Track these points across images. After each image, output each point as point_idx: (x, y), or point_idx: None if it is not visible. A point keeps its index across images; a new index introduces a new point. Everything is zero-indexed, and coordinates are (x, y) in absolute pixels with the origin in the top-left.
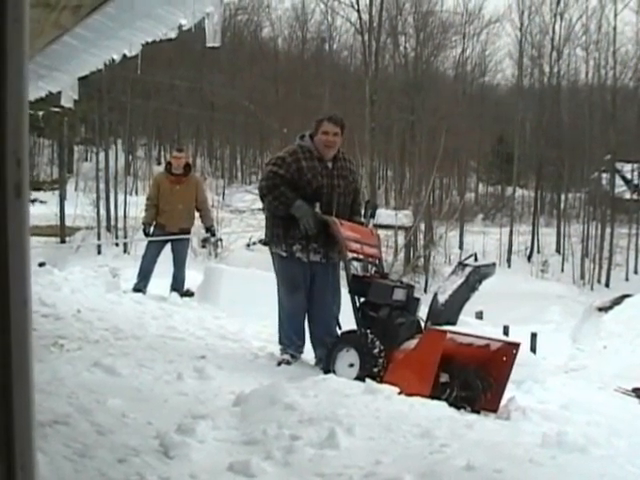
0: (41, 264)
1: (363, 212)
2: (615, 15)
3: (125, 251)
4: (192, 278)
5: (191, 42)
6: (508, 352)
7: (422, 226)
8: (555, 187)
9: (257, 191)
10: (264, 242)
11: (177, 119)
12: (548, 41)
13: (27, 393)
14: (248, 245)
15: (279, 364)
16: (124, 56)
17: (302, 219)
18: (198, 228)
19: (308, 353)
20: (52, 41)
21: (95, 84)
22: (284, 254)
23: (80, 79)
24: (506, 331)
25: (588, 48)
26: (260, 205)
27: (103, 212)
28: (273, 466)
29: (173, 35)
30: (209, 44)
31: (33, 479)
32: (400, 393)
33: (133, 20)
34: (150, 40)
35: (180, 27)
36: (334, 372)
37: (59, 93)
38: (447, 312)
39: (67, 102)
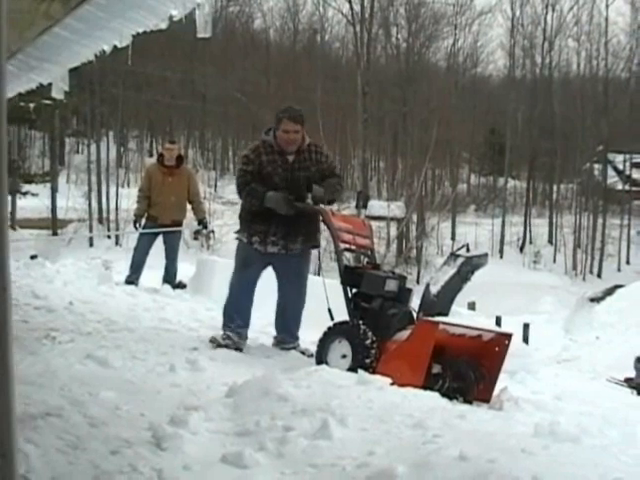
0: (33, 257)
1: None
2: (607, 6)
3: (117, 243)
4: (184, 270)
5: (182, 34)
6: (500, 343)
7: (414, 217)
8: (547, 178)
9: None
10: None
11: (169, 111)
12: (540, 32)
13: (6, 381)
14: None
15: (218, 346)
16: (115, 47)
17: (277, 208)
18: (190, 220)
19: (304, 345)
20: (42, 32)
21: (87, 76)
22: (244, 240)
23: (71, 71)
24: (498, 322)
25: (580, 39)
26: None
27: (95, 204)
28: (266, 457)
29: (164, 26)
30: (200, 35)
31: (14, 467)
32: (393, 384)
33: (124, 10)
34: (141, 31)
35: (171, 18)
36: (327, 363)
37: (50, 85)
38: (439, 303)
39: (58, 94)
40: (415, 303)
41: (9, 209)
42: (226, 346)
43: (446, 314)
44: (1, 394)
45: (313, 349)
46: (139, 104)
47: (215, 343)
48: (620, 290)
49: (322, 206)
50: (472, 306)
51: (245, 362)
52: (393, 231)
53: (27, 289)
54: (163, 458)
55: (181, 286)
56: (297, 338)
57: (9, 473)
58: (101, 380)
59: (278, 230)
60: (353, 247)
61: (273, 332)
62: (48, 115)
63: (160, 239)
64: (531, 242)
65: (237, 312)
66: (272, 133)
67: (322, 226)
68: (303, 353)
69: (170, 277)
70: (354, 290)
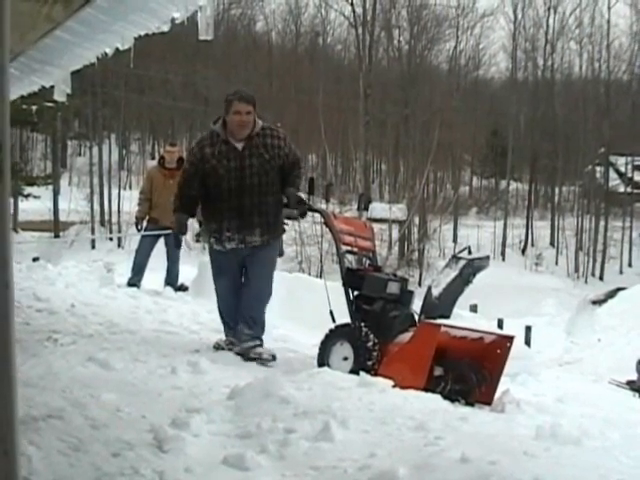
0: (35, 259)
1: (308, 187)
2: (609, 8)
3: (119, 245)
4: (186, 272)
5: (184, 36)
6: (502, 345)
7: (416, 220)
8: (549, 180)
9: None
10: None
11: (171, 113)
12: (542, 34)
13: (9, 378)
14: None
15: (218, 348)
16: (117, 50)
17: (175, 230)
18: (192, 222)
19: (306, 347)
20: (44, 35)
21: (89, 79)
22: (208, 244)
23: (73, 73)
24: (500, 324)
25: (582, 41)
26: None
27: (97, 207)
28: (268, 459)
29: (166, 29)
30: (202, 37)
31: (16, 465)
32: (394, 386)
33: (126, 13)
34: (143, 33)
35: (173, 20)
36: (328, 365)
37: (52, 87)
38: (441, 305)
39: (60, 96)
40: (417, 305)
41: (11, 210)
42: (230, 350)
43: (448, 316)
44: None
45: (315, 352)
46: (141, 107)
47: (219, 349)
48: (622, 293)
49: (323, 207)
50: (474, 308)
51: (246, 364)
52: (395, 233)
53: (29, 291)
54: (164, 460)
55: (183, 288)
56: (256, 337)
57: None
58: (102, 382)
59: (231, 225)
60: (355, 249)
61: (273, 332)
62: (50, 118)
63: (162, 241)
64: (533, 244)
65: (230, 318)
66: (221, 122)
67: (324, 228)
68: (258, 358)
69: (172, 279)
70: (356, 292)
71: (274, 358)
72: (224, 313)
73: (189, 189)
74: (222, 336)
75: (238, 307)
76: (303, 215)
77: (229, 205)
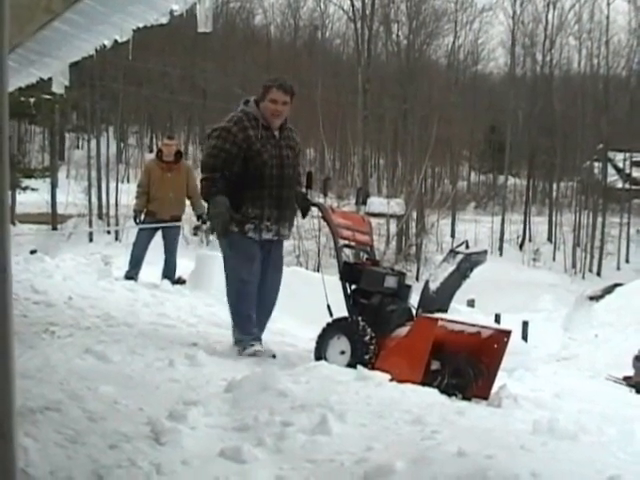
0: (33, 251)
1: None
2: (608, 4)
3: (117, 239)
4: (184, 266)
5: (183, 29)
6: (499, 339)
7: (414, 214)
8: (547, 176)
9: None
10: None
11: (169, 106)
12: (541, 30)
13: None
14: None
15: (252, 354)
16: (115, 42)
17: (213, 218)
18: (190, 216)
19: (303, 341)
20: (43, 26)
21: (87, 71)
22: (236, 229)
23: (71, 65)
24: (498, 319)
25: (581, 37)
26: None
27: (95, 200)
28: (264, 452)
29: (164, 20)
30: (200, 30)
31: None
32: (391, 380)
33: (124, 5)
34: (141, 25)
35: (171, 12)
36: (325, 359)
37: (50, 79)
38: (438, 300)
39: (58, 88)
40: (414, 300)
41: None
42: (259, 351)
43: (445, 311)
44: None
45: (312, 345)
46: (139, 99)
47: (252, 354)
48: (619, 288)
49: (321, 201)
50: (471, 303)
51: (244, 357)
52: (393, 228)
53: (26, 283)
54: (162, 452)
55: (180, 282)
56: (260, 337)
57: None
58: (100, 375)
59: (271, 214)
60: (352, 243)
61: (271, 326)
62: (48, 110)
63: (159, 234)
64: (530, 240)
65: (252, 310)
66: (254, 104)
67: (322, 222)
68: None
69: (169, 272)
70: (353, 286)
71: (274, 357)
72: (249, 308)
73: (228, 171)
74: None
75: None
76: (305, 215)
77: (270, 193)
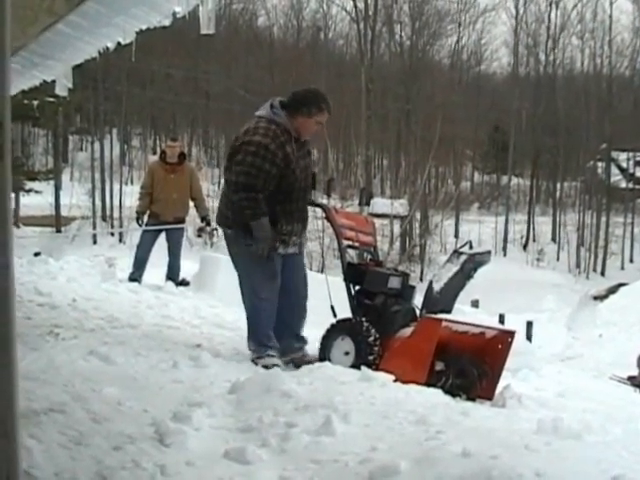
0: (37, 254)
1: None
2: (611, 3)
3: (121, 240)
4: (188, 267)
5: (186, 31)
6: (503, 340)
7: (418, 215)
8: (551, 176)
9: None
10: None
11: (172, 108)
12: (544, 30)
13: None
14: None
15: (266, 367)
16: (118, 44)
17: (259, 241)
18: (193, 217)
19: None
20: (46, 29)
21: (90, 73)
22: (262, 249)
23: (75, 68)
24: (502, 319)
25: (584, 37)
26: None
27: (98, 202)
28: (269, 453)
29: (167, 23)
30: (203, 31)
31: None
32: (395, 381)
33: (127, 7)
34: (144, 28)
35: (174, 14)
36: (330, 360)
37: (53, 82)
38: (442, 300)
39: (62, 91)
40: (418, 300)
41: (13, 205)
42: (275, 365)
43: (449, 311)
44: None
45: (316, 346)
46: (143, 101)
47: (266, 365)
48: (623, 288)
49: (324, 202)
50: (476, 304)
51: (248, 359)
52: (397, 229)
53: (30, 286)
54: (166, 454)
55: (184, 283)
56: (304, 346)
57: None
58: (104, 376)
59: (297, 229)
60: (356, 244)
61: None
62: (51, 112)
63: (163, 236)
64: (534, 240)
65: (270, 328)
66: (281, 113)
67: (326, 223)
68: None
69: (173, 274)
70: (357, 287)
71: (298, 367)
72: (270, 325)
73: (266, 190)
74: (228, 333)
75: (282, 319)
76: None
77: (297, 207)
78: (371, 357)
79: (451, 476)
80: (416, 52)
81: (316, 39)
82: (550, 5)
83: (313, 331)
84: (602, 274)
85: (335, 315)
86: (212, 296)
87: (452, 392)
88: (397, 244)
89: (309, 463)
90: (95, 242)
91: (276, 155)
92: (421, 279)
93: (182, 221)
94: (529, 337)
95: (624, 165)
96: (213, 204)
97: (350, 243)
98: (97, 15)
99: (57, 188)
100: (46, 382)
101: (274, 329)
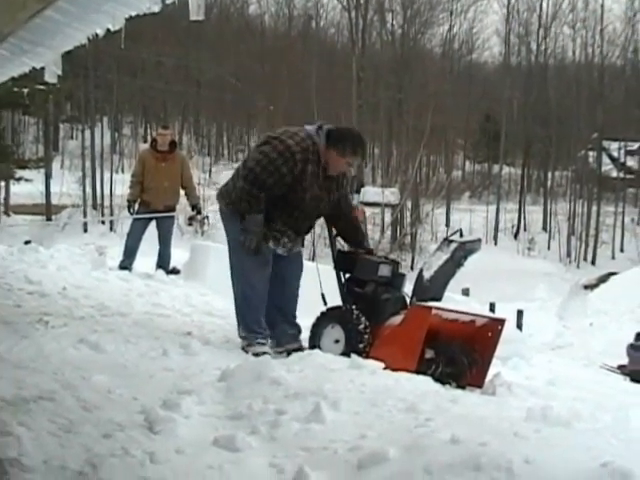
0: (27, 242)
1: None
2: None
3: (111, 229)
4: (178, 256)
5: (177, 18)
6: (493, 328)
7: (409, 204)
8: (542, 165)
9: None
10: (198, 210)
11: (163, 96)
12: (535, 19)
13: None
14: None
15: (256, 355)
16: (108, 31)
17: (248, 233)
18: (184, 206)
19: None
20: (34, 15)
21: (81, 61)
22: (255, 239)
23: (64, 55)
24: (492, 308)
25: (575, 26)
26: None
27: (89, 190)
28: (258, 440)
29: (157, 9)
30: (192, 18)
31: None
32: (385, 368)
33: None
34: (134, 14)
35: (163, 1)
36: (320, 348)
37: (43, 69)
38: (432, 288)
39: (51, 78)
40: (409, 289)
41: (2, 195)
42: (265, 353)
43: (439, 299)
44: None
45: (306, 334)
46: (133, 89)
47: (257, 353)
48: (614, 277)
49: None
50: (466, 292)
51: (238, 347)
52: (388, 217)
53: (20, 274)
54: (155, 441)
55: (175, 272)
56: (298, 335)
57: None
58: (94, 364)
59: (291, 237)
60: None
61: None
62: (42, 100)
63: (153, 224)
64: (525, 229)
65: (261, 314)
66: (322, 140)
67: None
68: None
69: (164, 262)
70: (347, 275)
71: (288, 354)
72: (261, 311)
73: (269, 191)
74: (218, 321)
75: (275, 305)
76: None
77: (296, 222)
78: (361, 345)
79: (440, 463)
80: (407, 41)
81: (307, 27)
82: None
83: (304, 320)
84: (593, 263)
85: (325, 303)
86: (203, 284)
87: (442, 380)
88: (388, 233)
89: (299, 450)
90: (86, 230)
91: (296, 165)
92: (412, 268)
93: (173, 209)
94: (519, 326)
95: (615, 154)
96: (204, 192)
97: None
98: (86, 1)
99: (47, 176)
100: (36, 370)
101: (267, 315)
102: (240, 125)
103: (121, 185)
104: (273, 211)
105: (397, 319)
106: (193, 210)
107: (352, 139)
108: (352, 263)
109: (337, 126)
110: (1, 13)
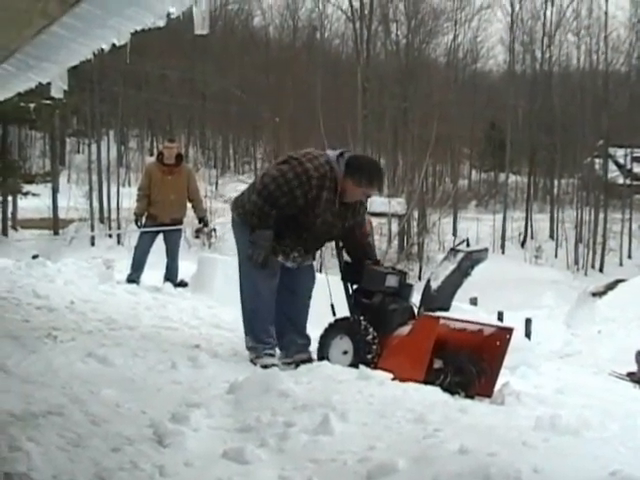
0: (34, 256)
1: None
2: (606, 0)
3: (119, 242)
4: (186, 268)
5: (181, 32)
6: (502, 337)
7: (415, 213)
8: (548, 173)
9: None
10: (205, 223)
11: (169, 109)
12: (539, 27)
13: None
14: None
15: (265, 367)
16: (113, 45)
17: (256, 247)
18: (191, 219)
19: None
20: (40, 31)
21: (86, 76)
22: (264, 253)
23: (70, 70)
24: (500, 317)
25: (580, 33)
26: None
27: (96, 204)
28: (267, 453)
29: (162, 23)
30: (197, 32)
31: None
32: (394, 379)
33: (121, 8)
34: (139, 29)
35: (168, 15)
36: (328, 359)
37: (49, 84)
38: (440, 298)
39: (57, 93)
40: (416, 299)
41: (10, 209)
42: (273, 365)
43: (447, 309)
44: None
45: (315, 345)
46: (139, 103)
47: (265, 365)
48: (622, 284)
49: None
50: (474, 301)
51: (246, 359)
52: (394, 227)
53: (28, 288)
54: (164, 455)
55: (182, 284)
56: (308, 346)
57: None
58: (102, 378)
59: (300, 254)
60: None
61: None
62: (48, 115)
63: (161, 237)
64: (532, 237)
65: (271, 325)
66: (340, 168)
67: None
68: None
69: (171, 275)
70: (355, 286)
71: (296, 366)
72: (270, 322)
73: (281, 210)
74: (226, 333)
75: (285, 315)
76: None
77: (305, 243)
78: (369, 356)
79: (449, 474)
80: (412, 51)
81: (312, 39)
82: (546, 2)
83: (314, 331)
84: (600, 270)
85: (334, 314)
86: (210, 297)
87: (450, 390)
88: (395, 243)
89: (307, 462)
90: (93, 244)
91: (311, 190)
92: (419, 277)
93: (180, 222)
94: (528, 334)
95: (621, 161)
96: (210, 205)
97: None
98: (91, 17)
99: (54, 191)
100: (44, 385)
101: (277, 325)
102: (246, 137)
103: (128, 198)
104: (284, 229)
105: (405, 329)
106: (200, 223)
107: (369, 170)
108: (359, 274)
109: (358, 155)
110: (7, 29)
